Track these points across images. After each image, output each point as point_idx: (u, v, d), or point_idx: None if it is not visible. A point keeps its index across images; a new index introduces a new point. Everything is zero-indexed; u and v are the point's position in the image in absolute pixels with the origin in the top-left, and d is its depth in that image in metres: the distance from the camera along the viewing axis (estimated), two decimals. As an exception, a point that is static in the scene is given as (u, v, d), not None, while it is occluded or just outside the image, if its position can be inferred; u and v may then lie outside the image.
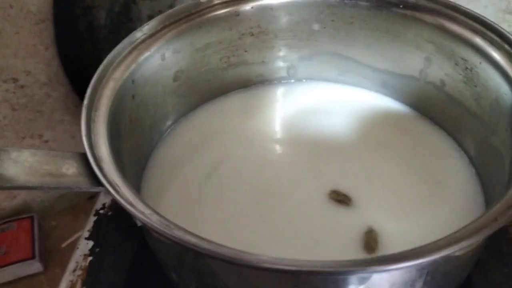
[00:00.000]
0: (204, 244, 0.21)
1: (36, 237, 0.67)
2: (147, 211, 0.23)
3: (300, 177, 0.37)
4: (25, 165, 0.22)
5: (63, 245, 0.68)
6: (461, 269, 0.29)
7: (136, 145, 0.35)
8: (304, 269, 0.20)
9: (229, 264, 0.21)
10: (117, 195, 0.22)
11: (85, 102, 0.28)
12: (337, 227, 0.33)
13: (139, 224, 0.23)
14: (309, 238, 0.32)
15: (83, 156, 0.25)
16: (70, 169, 0.24)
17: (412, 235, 0.32)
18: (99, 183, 0.23)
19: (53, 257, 0.69)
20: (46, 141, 0.71)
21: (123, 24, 0.63)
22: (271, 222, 0.33)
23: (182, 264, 0.27)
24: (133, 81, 0.34)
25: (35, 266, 0.64)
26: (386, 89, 0.42)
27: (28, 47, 0.59)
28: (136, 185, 0.34)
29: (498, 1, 0.53)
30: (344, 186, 0.35)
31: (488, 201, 0.33)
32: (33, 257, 0.64)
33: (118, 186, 0.24)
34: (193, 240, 0.21)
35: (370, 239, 0.32)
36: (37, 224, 0.69)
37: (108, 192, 0.23)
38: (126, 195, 0.23)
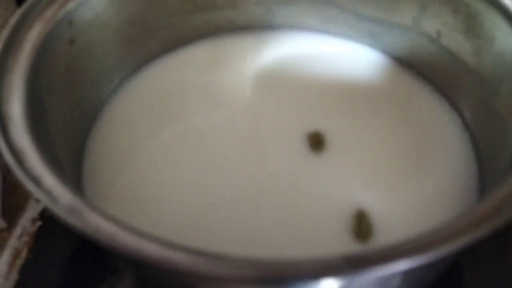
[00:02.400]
0: (122, 238, 0.16)
1: (0, 192, 0.63)
2: (57, 191, 0.18)
3: (273, 140, 0.32)
4: None
5: (30, 201, 0.64)
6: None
7: (77, 101, 0.30)
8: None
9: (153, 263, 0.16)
10: (15, 166, 0.18)
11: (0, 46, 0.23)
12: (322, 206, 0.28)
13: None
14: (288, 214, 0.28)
15: (-14, 115, 0.20)
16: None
17: (398, 211, 0.27)
18: (0, 150, 0.19)
19: (18, 214, 0.65)
20: None
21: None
22: (236, 200, 0.29)
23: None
24: (70, 23, 0.28)
25: (-3, 224, 0.61)
26: (374, 40, 0.37)
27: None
28: (75, 153, 0.29)
29: None
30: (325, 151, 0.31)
31: (483, 170, 0.29)
32: (-6, 214, 0.60)
33: (25, 154, 0.19)
34: (108, 230, 0.16)
35: (362, 225, 0.27)
36: (1, 177, 0.65)
37: (4, 160, 0.18)
38: (31, 166, 0.19)
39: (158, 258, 0.15)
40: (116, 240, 0.16)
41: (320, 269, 0.15)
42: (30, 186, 0.17)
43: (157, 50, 0.37)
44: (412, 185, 0.28)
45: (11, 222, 0.66)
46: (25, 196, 0.74)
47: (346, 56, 0.38)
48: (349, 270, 0.15)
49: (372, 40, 0.37)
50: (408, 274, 0.20)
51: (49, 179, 0.18)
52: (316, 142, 0.31)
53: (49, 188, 0.18)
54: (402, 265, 0.15)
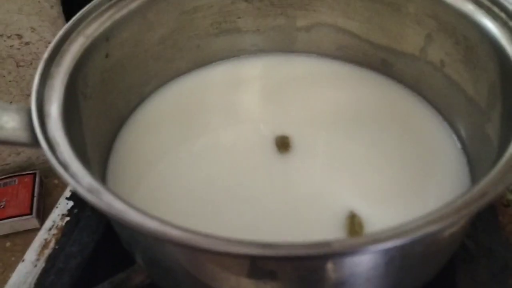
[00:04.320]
0: (129, 215, 0.19)
1: (36, 194, 0.68)
2: (80, 174, 0.21)
3: (283, 155, 0.35)
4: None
5: (62, 205, 0.69)
6: (441, 253, 0.26)
7: (108, 108, 0.34)
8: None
9: (153, 238, 0.19)
10: (49, 152, 0.21)
11: (45, 55, 0.27)
12: (320, 210, 0.31)
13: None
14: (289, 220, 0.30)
15: (30, 111, 0.24)
16: (10, 122, 0.23)
17: (394, 217, 0.29)
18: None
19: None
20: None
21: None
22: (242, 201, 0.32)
23: (125, 232, 0.26)
24: (107, 39, 0.32)
25: (31, 222, 0.65)
26: (385, 67, 0.39)
27: (34, 3, 0.59)
28: (104, 152, 0.33)
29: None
30: (328, 163, 0.33)
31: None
32: (30, 213, 0.65)
33: (58, 144, 0.23)
34: (119, 208, 0.19)
35: (354, 224, 0.29)
36: (38, 181, 0.70)
37: (42, 148, 0.22)
38: (63, 155, 0.22)
39: (156, 231, 0.18)
40: (124, 216, 0.19)
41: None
42: (59, 169, 0.21)
43: (184, 68, 0.40)
44: (409, 194, 0.30)
45: (44, 222, 0.71)
46: (57, 200, 0.79)
47: (359, 80, 0.40)
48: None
49: (383, 67, 0.40)
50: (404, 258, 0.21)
51: (75, 166, 0.22)
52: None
53: (74, 172, 0.21)
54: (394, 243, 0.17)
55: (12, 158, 0.74)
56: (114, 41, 0.33)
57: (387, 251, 0.20)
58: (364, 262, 0.21)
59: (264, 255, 0.18)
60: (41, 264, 0.38)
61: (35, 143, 0.23)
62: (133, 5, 0.34)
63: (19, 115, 0.24)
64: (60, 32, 0.29)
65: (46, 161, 0.77)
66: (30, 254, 0.39)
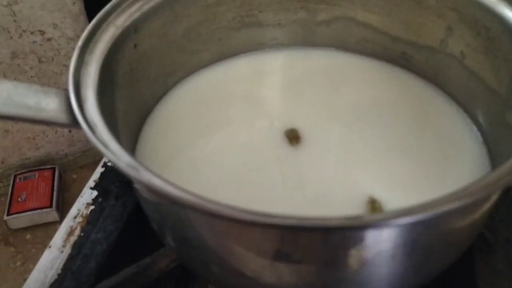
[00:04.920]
0: (168, 188, 0.20)
1: (56, 188, 0.69)
2: (119, 152, 0.22)
3: (306, 139, 0.36)
4: (3, 95, 0.23)
5: (80, 198, 0.70)
6: (461, 239, 0.27)
7: (135, 96, 0.35)
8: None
9: (192, 210, 0.20)
10: (90, 133, 0.22)
11: (79, 43, 0.28)
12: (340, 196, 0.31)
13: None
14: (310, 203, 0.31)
15: (68, 94, 0.25)
16: (51, 104, 0.24)
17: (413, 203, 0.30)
18: (77, 121, 0.23)
19: (70, 208, 0.71)
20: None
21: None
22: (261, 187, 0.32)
23: (157, 212, 0.27)
24: (136, 30, 0.33)
25: (51, 215, 0.67)
26: (404, 60, 0.40)
27: (56, 0, 0.60)
28: (132, 136, 0.34)
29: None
30: (349, 152, 0.34)
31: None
32: (50, 206, 0.66)
33: (96, 126, 0.24)
34: (157, 182, 0.20)
35: (375, 209, 0.30)
36: (58, 175, 0.71)
37: (82, 129, 0.23)
38: (101, 135, 0.23)
39: (193, 202, 0.19)
40: (163, 189, 0.20)
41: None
42: (101, 147, 0.21)
43: (207, 60, 0.41)
44: (428, 182, 0.31)
45: (63, 215, 0.72)
46: (75, 194, 0.80)
47: (378, 74, 0.41)
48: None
49: (403, 60, 0.40)
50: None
51: (113, 145, 0.23)
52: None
53: (114, 150, 0.22)
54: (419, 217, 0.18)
55: (32, 153, 0.75)
56: (142, 32, 0.34)
57: (411, 228, 0.21)
58: (389, 239, 0.21)
59: (297, 225, 0.18)
60: (68, 250, 0.39)
61: (74, 124, 0.24)
62: (160, -2, 0.35)
63: (59, 98, 0.25)
64: (93, 21, 0.30)
65: (65, 156, 0.78)
66: (57, 240, 0.40)
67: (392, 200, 0.30)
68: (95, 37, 0.30)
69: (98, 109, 0.25)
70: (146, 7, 0.34)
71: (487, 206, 0.25)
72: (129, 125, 0.34)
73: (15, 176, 0.72)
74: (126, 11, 0.33)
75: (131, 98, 0.34)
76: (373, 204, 0.29)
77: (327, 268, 0.24)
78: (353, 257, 0.22)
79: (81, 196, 0.44)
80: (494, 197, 0.24)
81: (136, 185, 0.27)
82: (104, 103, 0.27)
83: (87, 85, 0.26)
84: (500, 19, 0.30)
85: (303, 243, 0.22)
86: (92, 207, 0.43)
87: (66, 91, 0.25)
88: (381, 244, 0.21)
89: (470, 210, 0.23)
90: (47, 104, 0.24)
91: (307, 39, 0.43)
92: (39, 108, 0.24)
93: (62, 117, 0.24)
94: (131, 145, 0.33)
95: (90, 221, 0.41)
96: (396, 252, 0.22)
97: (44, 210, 0.67)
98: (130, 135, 0.34)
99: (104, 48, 0.30)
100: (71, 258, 0.39)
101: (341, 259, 0.22)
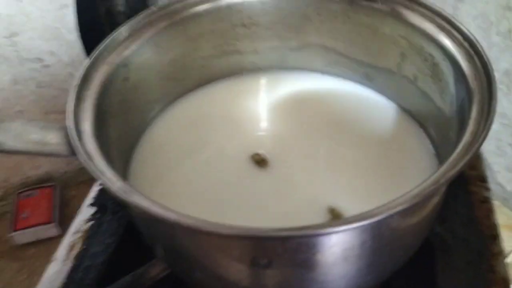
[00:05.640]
0: (154, 208, 0.25)
1: (56, 204, 0.74)
2: (113, 178, 0.27)
3: (274, 159, 0.40)
4: (12, 133, 0.27)
5: (80, 213, 0.75)
6: (410, 238, 0.31)
7: (127, 124, 0.39)
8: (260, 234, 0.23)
9: (174, 225, 0.25)
10: (87, 162, 0.26)
11: (76, 82, 0.32)
12: (302, 206, 0.36)
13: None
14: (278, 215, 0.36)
15: (67, 130, 0.29)
16: (54, 139, 0.28)
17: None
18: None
19: (70, 223, 0.75)
20: (69, 117, 0.77)
21: (140, 10, 0.67)
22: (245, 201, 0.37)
23: (147, 226, 0.31)
24: (125, 65, 0.38)
25: (52, 230, 0.71)
26: (369, 81, 0.45)
27: (53, 30, 0.65)
28: (125, 160, 0.38)
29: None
30: (314, 168, 0.39)
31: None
32: (51, 222, 0.70)
33: (93, 156, 0.28)
34: (146, 204, 0.25)
35: (334, 216, 0.35)
36: (58, 192, 0.76)
37: (80, 159, 0.27)
38: (97, 164, 0.27)
39: (175, 220, 0.23)
40: (150, 209, 0.24)
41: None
42: (97, 175, 0.26)
43: (191, 86, 0.46)
44: (386, 192, 0.35)
45: (64, 230, 0.76)
46: (75, 209, 0.84)
47: (345, 92, 0.45)
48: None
49: (367, 81, 0.45)
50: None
51: (109, 172, 0.27)
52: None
53: (109, 177, 0.26)
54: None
55: (32, 172, 0.79)
56: (131, 66, 0.38)
57: (359, 232, 0.25)
58: (341, 243, 0.26)
59: (264, 235, 0.23)
60: (70, 263, 0.43)
61: (74, 155, 0.28)
62: (146, 35, 0.39)
63: (60, 133, 0.29)
64: (87, 61, 0.35)
65: (64, 174, 0.83)
66: (60, 254, 0.44)
67: (353, 210, 0.34)
68: (89, 75, 0.34)
69: (94, 140, 0.30)
70: (134, 45, 0.38)
71: (424, 211, 0.29)
72: (122, 150, 0.38)
73: (18, 194, 0.76)
74: (117, 49, 0.37)
75: (123, 125, 0.38)
76: (333, 212, 0.33)
77: (292, 271, 0.28)
78: (311, 260, 0.27)
79: (81, 213, 0.48)
80: (428, 204, 0.29)
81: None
82: (99, 133, 0.31)
83: (84, 119, 0.31)
84: (440, 47, 0.35)
85: (268, 250, 0.26)
86: (91, 222, 0.47)
87: (66, 127, 0.29)
88: (333, 248, 0.26)
89: (406, 215, 0.27)
90: (51, 139, 0.28)
91: (281, 63, 0.48)
92: (43, 143, 0.28)
93: (63, 149, 0.28)
94: (123, 166, 0.38)
95: (90, 235, 0.46)
96: (347, 254, 0.27)
97: (46, 225, 0.71)
98: (122, 158, 0.38)
99: (98, 84, 0.34)
100: (73, 270, 0.43)
101: (300, 262, 0.27)
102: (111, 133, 0.35)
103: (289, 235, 0.23)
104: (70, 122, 0.29)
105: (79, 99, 0.32)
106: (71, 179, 0.82)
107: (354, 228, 0.23)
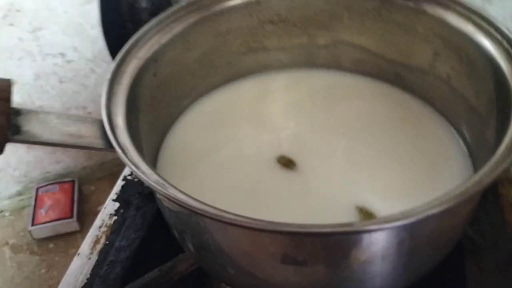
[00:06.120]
0: (191, 202, 0.24)
1: (75, 199, 0.74)
2: (148, 172, 0.26)
3: (300, 157, 0.40)
4: (49, 125, 0.27)
5: (99, 208, 0.75)
6: (445, 240, 0.31)
7: (155, 119, 0.39)
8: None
9: (211, 220, 0.24)
10: (124, 156, 0.26)
11: (109, 76, 0.32)
12: (329, 205, 0.35)
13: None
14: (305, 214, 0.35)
15: (102, 122, 0.29)
16: (88, 131, 0.28)
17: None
18: (112, 146, 0.27)
19: (89, 218, 0.75)
20: (90, 113, 0.77)
21: (162, 7, 0.67)
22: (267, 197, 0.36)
23: (179, 221, 0.31)
24: (155, 60, 0.37)
25: (72, 225, 0.71)
26: (399, 80, 0.44)
27: (76, 25, 0.65)
28: (154, 153, 0.38)
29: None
30: (333, 165, 0.38)
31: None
32: (71, 217, 0.71)
33: (127, 149, 0.28)
34: (182, 197, 0.24)
35: (364, 215, 0.34)
36: (77, 188, 0.76)
37: (117, 153, 0.27)
38: (132, 158, 0.27)
39: (212, 213, 0.23)
40: (185, 202, 0.24)
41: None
42: (133, 168, 0.26)
43: (217, 83, 0.46)
44: (417, 192, 0.35)
45: (83, 225, 0.77)
46: (94, 204, 0.85)
47: (374, 92, 0.45)
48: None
49: (397, 80, 0.44)
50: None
51: (143, 165, 0.27)
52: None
53: (143, 170, 0.26)
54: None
55: (52, 167, 0.80)
56: (160, 61, 0.38)
57: (399, 231, 0.25)
58: (380, 241, 0.25)
59: (298, 231, 0.22)
60: (95, 257, 0.43)
61: (109, 148, 0.28)
62: (176, 30, 0.39)
63: (95, 126, 0.29)
64: (118, 55, 0.35)
65: (83, 169, 0.83)
66: (84, 248, 0.44)
67: (383, 209, 0.34)
68: (121, 70, 0.34)
69: (127, 134, 0.29)
70: (164, 39, 0.38)
71: (462, 212, 0.28)
72: (151, 143, 0.38)
73: (37, 189, 0.76)
74: (147, 44, 0.37)
75: (152, 120, 0.38)
76: (362, 211, 0.33)
77: (328, 268, 0.28)
78: (349, 258, 0.26)
79: (105, 208, 0.48)
80: (466, 205, 0.28)
81: (160, 198, 0.31)
82: (131, 127, 0.31)
83: (116, 113, 0.31)
84: (477, 47, 0.34)
85: (305, 247, 0.26)
86: (115, 217, 0.47)
87: (100, 120, 0.29)
88: (370, 247, 0.25)
89: (445, 216, 0.27)
90: (86, 132, 0.28)
91: (308, 61, 0.47)
92: (79, 135, 0.28)
93: (98, 142, 0.28)
94: (152, 160, 0.37)
95: (114, 231, 0.46)
96: (385, 253, 0.26)
97: (66, 220, 0.71)
98: (151, 153, 0.38)
99: (129, 79, 0.34)
100: (98, 264, 0.43)
101: (337, 260, 0.26)
102: (141, 128, 0.35)
103: (332, 232, 0.22)
104: (104, 116, 0.29)
105: (111, 93, 0.32)
106: (91, 174, 0.82)
107: (397, 227, 0.23)
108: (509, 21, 0.56)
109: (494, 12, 0.57)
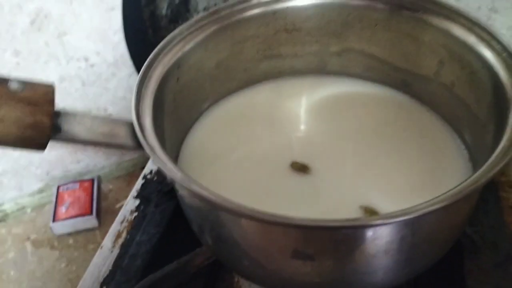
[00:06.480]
0: (213, 196, 0.27)
1: (95, 197, 0.77)
2: (175, 169, 0.29)
3: (312, 161, 0.42)
4: (86, 125, 0.30)
5: (117, 206, 0.78)
6: (445, 237, 0.33)
7: (177, 120, 0.42)
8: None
9: (233, 215, 0.27)
10: (153, 155, 0.29)
11: (137, 81, 0.35)
12: (337, 205, 0.38)
13: (169, 180, 0.29)
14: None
15: (131, 123, 0.32)
16: (121, 132, 0.31)
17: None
18: (141, 145, 0.30)
19: (107, 216, 0.79)
20: (110, 114, 0.81)
21: (181, 14, 0.70)
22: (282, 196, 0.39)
23: (199, 215, 0.34)
24: (178, 67, 0.40)
25: (91, 222, 0.74)
26: (406, 87, 0.46)
27: (99, 31, 0.68)
28: (175, 152, 0.41)
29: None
30: (342, 168, 0.41)
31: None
32: (90, 213, 0.74)
33: (155, 149, 0.30)
34: (205, 193, 0.27)
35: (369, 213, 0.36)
36: (96, 186, 0.79)
37: (146, 151, 0.29)
38: (160, 156, 0.30)
39: (232, 208, 0.25)
40: (208, 197, 0.26)
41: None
42: (161, 165, 0.28)
43: (234, 87, 0.48)
44: (421, 193, 0.37)
45: (101, 222, 0.80)
46: (112, 202, 0.88)
47: (383, 97, 0.47)
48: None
49: (404, 86, 0.47)
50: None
51: (169, 163, 0.29)
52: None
53: (170, 168, 0.29)
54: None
55: (73, 166, 0.83)
56: (183, 68, 0.41)
57: (401, 226, 0.27)
58: (384, 236, 0.28)
59: (309, 225, 0.25)
60: (116, 251, 0.46)
61: (138, 148, 0.31)
62: (198, 39, 0.42)
63: (126, 127, 0.32)
64: (146, 62, 0.38)
65: (102, 168, 0.87)
66: (107, 242, 0.47)
67: (391, 209, 0.36)
68: (148, 75, 0.37)
69: (154, 135, 0.32)
70: (186, 47, 0.41)
71: (460, 211, 0.31)
72: (173, 143, 0.41)
73: (58, 187, 0.80)
74: (171, 52, 0.40)
75: (174, 121, 0.41)
76: (367, 210, 0.35)
77: (335, 261, 0.30)
78: (355, 251, 0.29)
79: (126, 204, 0.51)
80: (465, 203, 0.31)
81: (183, 193, 0.34)
82: (157, 128, 0.34)
83: (145, 115, 0.34)
84: (479, 56, 0.36)
85: (314, 241, 0.28)
86: (136, 213, 0.50)
87: (129, 122, 0.32)
88: (375, 241, 0.28)
89: (444, 214, 0.29)
90: (118, 132, 0.31)
91: (320, 68, 0.50)
92: (112, 135, 0.31)
93: (129, 142, 0.31)
94: (175, 158, 0.40)
95: (134, 226, 0.49)
96: (388, 247, 0.29)
97: (85, 217, 0.74)
98: (173, 151, 0.41)
99: (155, 84, 0.37)
100: (120, 257, 0.46)
101: (343, 254, 0.29)
102: (165, 129, 0.37)
103: (340, 226, 0.25)
104: (134, 118, 0.32)
105: (139, 96, 0.35)
106: (109, 173, 0.86)
107: (399, 222, 0.25)
108: (515, 31, 0.58)
109: (500, 20, 0.60)
